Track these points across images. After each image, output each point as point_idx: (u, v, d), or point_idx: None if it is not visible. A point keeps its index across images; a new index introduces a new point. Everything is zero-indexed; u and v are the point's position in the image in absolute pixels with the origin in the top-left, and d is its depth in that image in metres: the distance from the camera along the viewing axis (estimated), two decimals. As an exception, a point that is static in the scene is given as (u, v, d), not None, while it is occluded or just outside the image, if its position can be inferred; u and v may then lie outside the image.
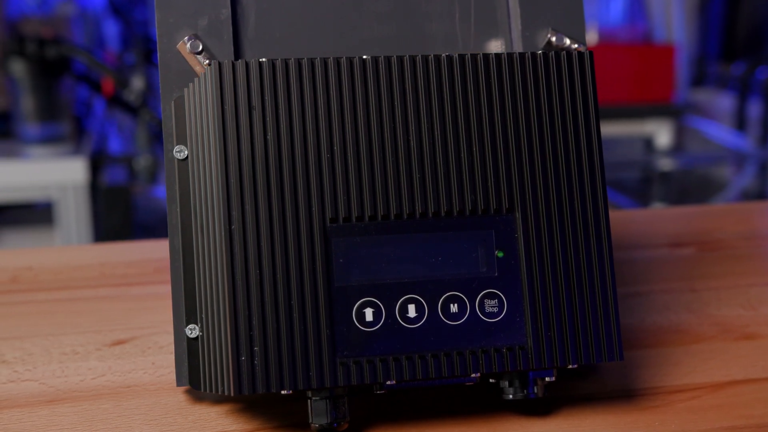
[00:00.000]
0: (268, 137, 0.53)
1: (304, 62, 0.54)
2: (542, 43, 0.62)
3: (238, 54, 0.59)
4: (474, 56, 0.56)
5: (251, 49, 0.60)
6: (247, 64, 0.53)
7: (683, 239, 0.90)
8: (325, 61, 0.54)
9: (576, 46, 0.62)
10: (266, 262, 0.52)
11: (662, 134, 2.98)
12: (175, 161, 0.57)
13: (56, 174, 2.17)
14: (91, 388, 0.60)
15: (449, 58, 0.55)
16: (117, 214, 2.22)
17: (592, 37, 2.81)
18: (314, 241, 0.52)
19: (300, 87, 0.54)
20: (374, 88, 0.54)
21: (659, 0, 2.97)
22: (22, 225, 2.36)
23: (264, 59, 0.54)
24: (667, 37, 3.01)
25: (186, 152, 0.57)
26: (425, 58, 0.55)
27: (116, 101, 2.49)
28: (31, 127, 2.27)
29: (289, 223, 0.52)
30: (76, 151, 2.25)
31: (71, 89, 2.39)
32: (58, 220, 2.18)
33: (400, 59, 0.55)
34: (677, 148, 3.12)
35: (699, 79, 3.62)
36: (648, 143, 3.05)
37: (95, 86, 2.48)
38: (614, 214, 1.05)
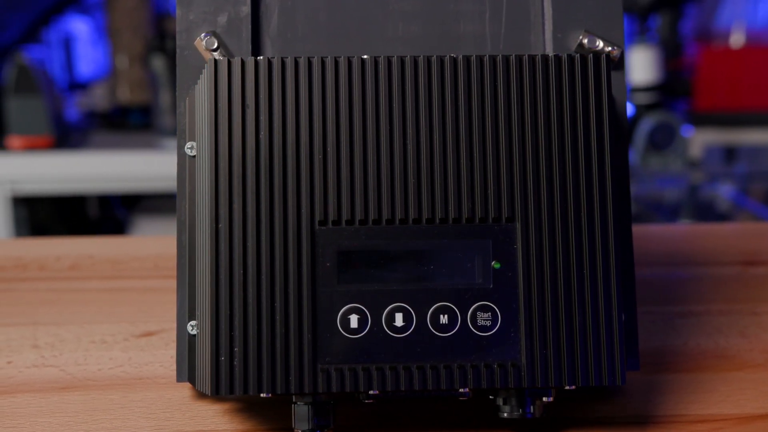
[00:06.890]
0: (261, 136, 0.52)
1: (302, 61, 0.53)
2: (574, 45, 0.59)
3: (257, 52, 0.59)
4: (480, 58, 0.53)
5: (273, 47, 0.59)
6: (243, 62, 0.53)
7: (760, 257, 0.84)
8: (323, 61, 0.53)
9: (610, 48, 0.59)
10: (251, 263, 0.51)
11: (810, 144, 2.80)
12: (186, 158, 0.57)
13: (188, 166, 2.25)
14: (105, 378, 0.61)
15: (453, 59, 0.53)
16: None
17: (738, 39, 2.68)
18: (301, 243, 0.51)
19: (296, 86, 0.53)
20: (372, 89, 0.53)
21: (817, 1, 2.80)
22: (156, 213, 2.45)
23: (260, 57, 0.53)
24: (825, 41, 2.83)
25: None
26: (428, 60, 0.53)
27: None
28: (168, 120, 2.36)
29: (277, 223, 0.52)
30: (208, 144, 2.33)
31: (207, 84, 2.47)
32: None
33: (401, 60, 0.53)
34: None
35: None
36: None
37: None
38: (687, 229, 0.99)
